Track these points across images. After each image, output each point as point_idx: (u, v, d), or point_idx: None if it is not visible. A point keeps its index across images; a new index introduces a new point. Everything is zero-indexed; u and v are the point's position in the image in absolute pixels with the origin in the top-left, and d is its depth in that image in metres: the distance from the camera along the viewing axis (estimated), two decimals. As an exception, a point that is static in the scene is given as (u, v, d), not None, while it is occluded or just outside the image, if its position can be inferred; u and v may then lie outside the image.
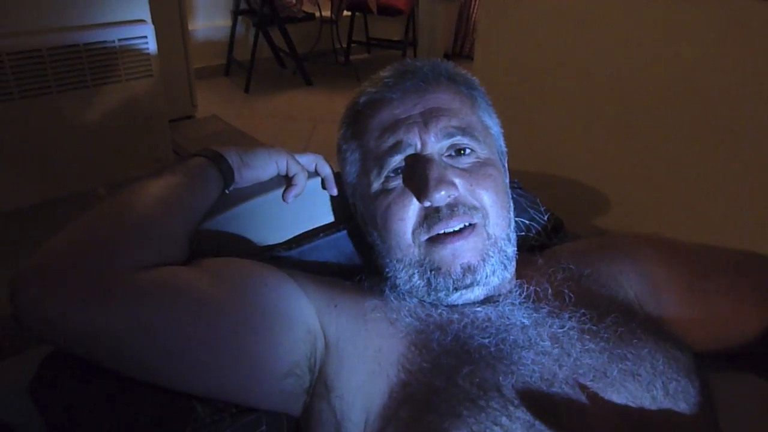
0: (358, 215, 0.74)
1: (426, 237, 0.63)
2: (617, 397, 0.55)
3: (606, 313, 0.62)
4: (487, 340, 0.58)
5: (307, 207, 0.79)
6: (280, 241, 0.78)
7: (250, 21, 3.57)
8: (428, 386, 0.55)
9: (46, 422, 0.55)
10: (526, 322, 0.60)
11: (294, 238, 0.79)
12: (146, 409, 0.53)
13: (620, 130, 1.31)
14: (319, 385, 0.58)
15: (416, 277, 0.63)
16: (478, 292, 0.63)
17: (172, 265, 0.58)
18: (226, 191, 0.70)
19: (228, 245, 0.72)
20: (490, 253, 0.63)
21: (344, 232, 0.79)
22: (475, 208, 0.63)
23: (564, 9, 1.35)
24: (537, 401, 0.53)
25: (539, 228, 0.86)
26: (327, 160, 0.80)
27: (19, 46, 1.61)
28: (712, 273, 0.67)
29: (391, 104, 0.67)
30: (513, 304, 0.63)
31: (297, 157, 0.76)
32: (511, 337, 0.58)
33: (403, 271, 0.64)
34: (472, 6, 4.00)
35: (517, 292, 0.65)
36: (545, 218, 0.87)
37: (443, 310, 0.63)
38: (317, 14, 3.52)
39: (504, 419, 0.51)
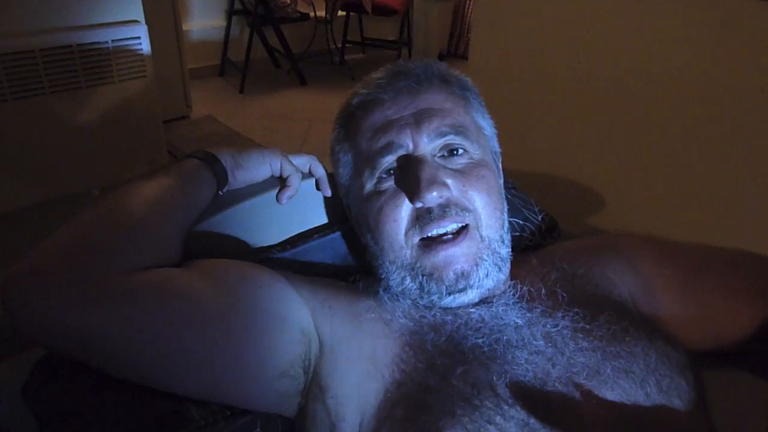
0: (351, 217, 0.74)
1: (418, 238, 0.62)
2: (611, 394, 0.55)
3: (599, 311, 0.62)
4: (480, 341, 0.58)
5: (301, 208, 0.79)
6: (275, 242, 0.77)
7: (245, 21, 3.56)
8: (423, 386, 0.55)
9: (39, 425, 0.55)
10: (520, 322, 0.61)
11: (288, 239, 0.79)
12: (140, 412, 0.53)
13: (614, 129, 1.32)
14: (314, 385, 0.58)
15: (408, 279, 0.63)
16: (471, 296, 0.63)
17: (166, 267, 0.58)
18: (220, 192, 0.70)
19: (222, 247, 0.72)
20: (484, 257, 0.63)
21: (338, 233, 0.79)
22: (467, 209, 0.63)
23: (558, 9, 1.35)
24: (531, 400, 0.53)
25: (533, 228, 0.86)
26: (321, 160, 0.80)
27: (11, 47, 1.60)
28: (705, 271, 0.67)
29: (383, 105, 0.67)
30: (507, 304, 0.63)
31: (291, 158, 0.76)
32: (505, 337, 0.58)
33: (396, 273, 0.64)
34: (467, 6, 4.00)
35: (511, 293, 0.65)
36: (539, 218, 0.87)
37: (437, 311, 0.63)
38: (312, 14, 3.52)
39: (498, 418, 0.51)
